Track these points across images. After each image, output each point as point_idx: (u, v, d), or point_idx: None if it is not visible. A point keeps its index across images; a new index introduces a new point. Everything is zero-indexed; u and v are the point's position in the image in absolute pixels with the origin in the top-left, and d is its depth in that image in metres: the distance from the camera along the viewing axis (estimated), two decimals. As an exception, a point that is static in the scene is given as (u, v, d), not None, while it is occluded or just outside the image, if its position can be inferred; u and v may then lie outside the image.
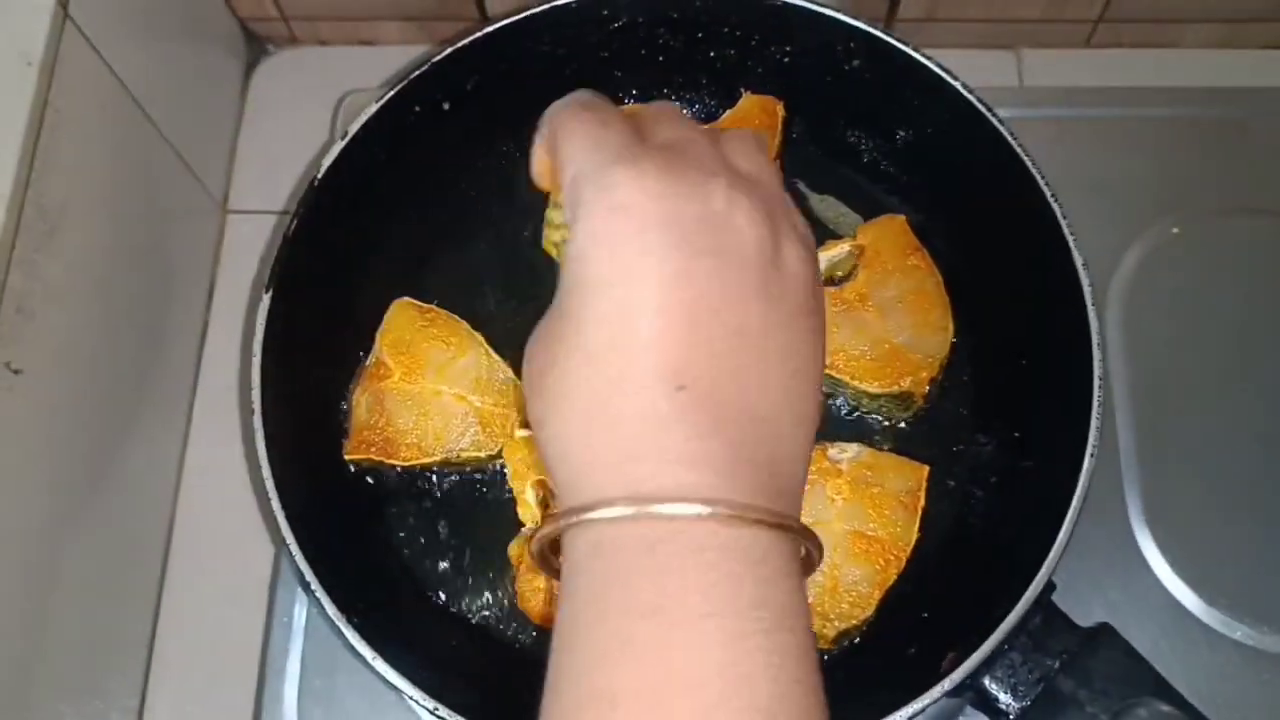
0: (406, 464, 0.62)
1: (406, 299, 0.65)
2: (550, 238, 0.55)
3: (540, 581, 0.58)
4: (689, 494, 0.33)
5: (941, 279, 0.64)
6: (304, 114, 0.86)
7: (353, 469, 0.63)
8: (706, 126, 0.45)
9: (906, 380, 0.62)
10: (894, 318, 0.63)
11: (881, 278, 0.64)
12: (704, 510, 0.33)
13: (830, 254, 0.65)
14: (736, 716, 0.31)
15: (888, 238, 0.65)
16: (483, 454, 0.62)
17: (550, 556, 0.38)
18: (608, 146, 0.37)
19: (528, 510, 0.59)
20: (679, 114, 0.43)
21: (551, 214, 0.52)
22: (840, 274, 0.66)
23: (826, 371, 0.63)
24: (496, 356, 0.63)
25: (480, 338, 0.64)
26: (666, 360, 0.34)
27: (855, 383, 0.62)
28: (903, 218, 0.66)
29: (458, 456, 0.62)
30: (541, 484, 0.59)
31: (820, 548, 0.37)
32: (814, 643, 0.34)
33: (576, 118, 0.40)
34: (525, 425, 0.62)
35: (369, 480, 0.64)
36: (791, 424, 0.37)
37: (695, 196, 0.36)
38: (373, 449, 0.61)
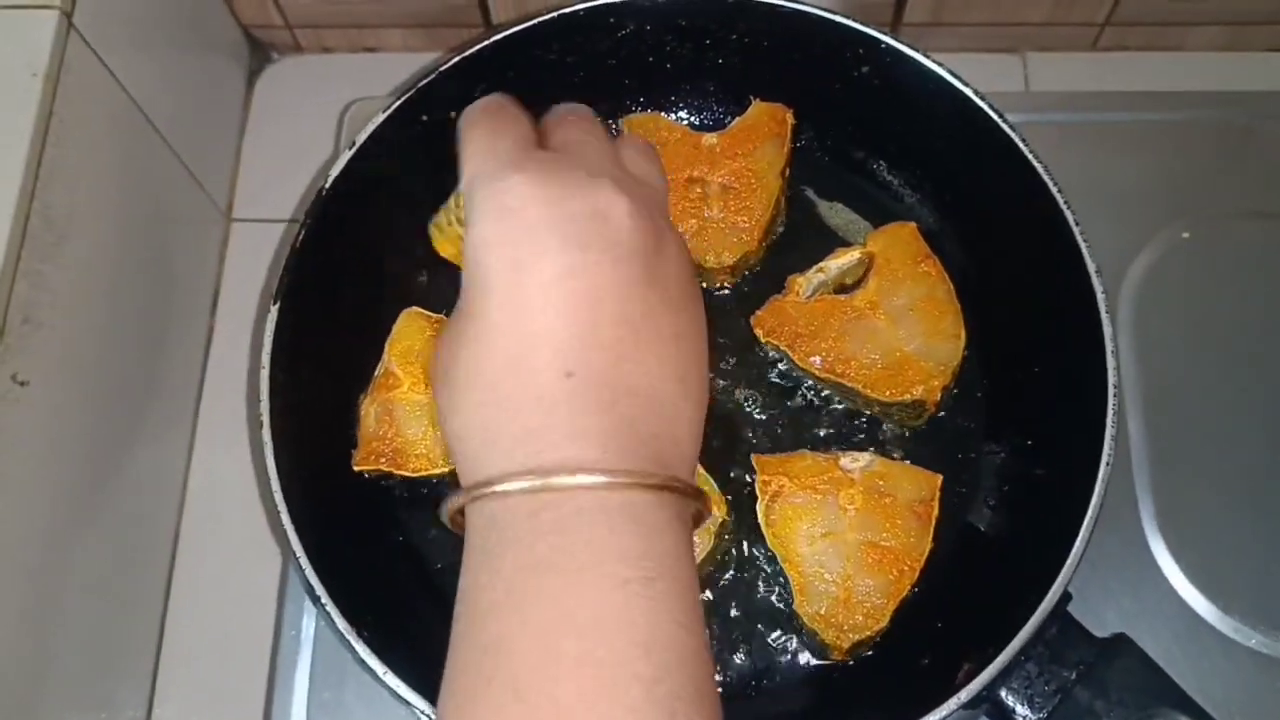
0: (416, 474, 0.61)
1: (415, 308, 0.65)
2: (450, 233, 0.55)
3: None
4: (574, 466, 0.36)
5: (952, 286, 0.64)
6: (308, 122, 0.86)
7: (362, 479, 0.63)
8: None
9: (919, 389, 0.61)
10: (905, 325, 0.62)
11: (892, 285, 0.63)
12: (586, 480, 0.36)
13: (840, 261, 0.65)
14: (618, 653, 0.34)
15: (898, 245, 0.65)
16: None
17: (461, 524, 0.40)
18: (500, 153, 0.41)
19: None
20: (584, 116, 0.47)
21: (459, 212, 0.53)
22: (850, 281, 0.66)
23: (839, 380, 0.63)
24: None
25: None
26: (556, 349, 0.38)
27: (867, 391, 0.62)
28: (913, 224, 0.65)
29: None
30: None
31: (708, 505, 0.40)
32: (695, 588, 0.37)
33: (475, 124, 0.43)
34: None
35: (378, 490, 0.63)
36: (679, 397, 0.40)
37: (580, 196, 0.39)
38: (382, 459, 0.61)
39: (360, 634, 0.53)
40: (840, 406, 0.65)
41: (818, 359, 0.63)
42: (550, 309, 0.38)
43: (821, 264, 0.65)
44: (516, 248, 0.38)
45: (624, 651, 0.34)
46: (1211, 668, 0.63)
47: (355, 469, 0.62)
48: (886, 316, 0.63)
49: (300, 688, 0.64)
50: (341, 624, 0.53)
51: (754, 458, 0.62)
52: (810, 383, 0.65)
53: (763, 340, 0.64)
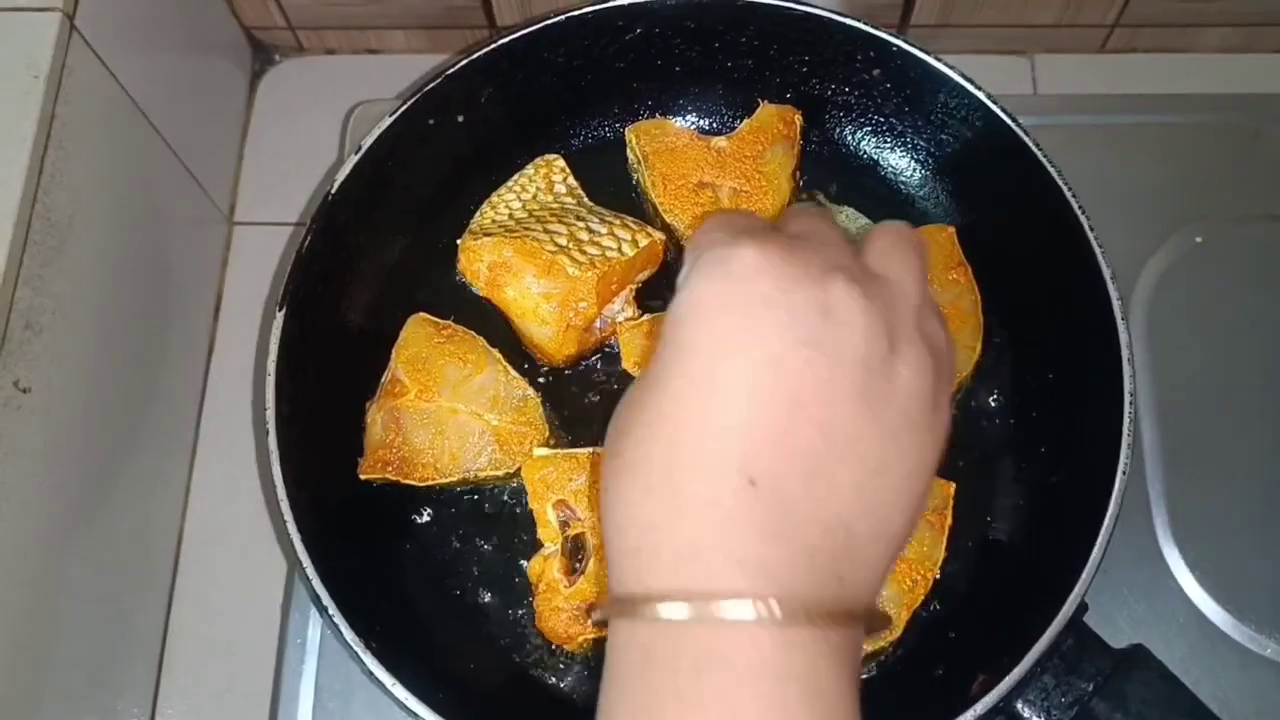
0: (422, 484, 0.61)
1: (423, 315, 0.64)
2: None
3: (559, 601, 0.57)
4: (745, 603, 0.32)
5: (979, 298, 0.62)
6: (311, 124, 0.86)
7: (370, 487, 0.62)
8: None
9: (926, 393, 0.60)
10: (921, 328, 0.62)
11: None
12: (754, 619, 0.32)
13: None
14: None
15: (932, 247, 0.63)
16: (500, 473, 0.60)
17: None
18: (737, 226, 0.37)
19: (548, 530, 0.58)
20: (819, 212, 0.43)
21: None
22: None
23: None
24: (515, 373, 0.62)
25: (498, 354, 0.63)
26: (744, 449, 0.33)
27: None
28: (951, 229, 0.64)
29: (475, 476, 0.61)
30: (562, 504, 0.58)
31: (887, 620, 0.36)
32: None
33: (714, 217, 0.40)
34: (545, 444, 0.61)
35: (386, 498, 0.62)
36: (870, 537, 0.35)
37: (810, 283, 0.35)
38: (389, 468, 0.60)
39: (368, 645, 0.52)
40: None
41: None
42: (746, 400, 0.34)
43: None
44: (726, 319, 0.34)
45: None
46: (1228, 677, 0.63)
47: (361, 477, 0.61)
48: (905, 316, 0.62)
49: (306, 698, 0.63)
50: (349, 635, 0.52)
51: None
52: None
53: None
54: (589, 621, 0.37)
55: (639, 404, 0.36)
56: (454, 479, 0.60)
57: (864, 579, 0.35)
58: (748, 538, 0.33)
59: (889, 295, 0.37)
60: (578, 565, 0.57)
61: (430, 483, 0.60)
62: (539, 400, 0.62)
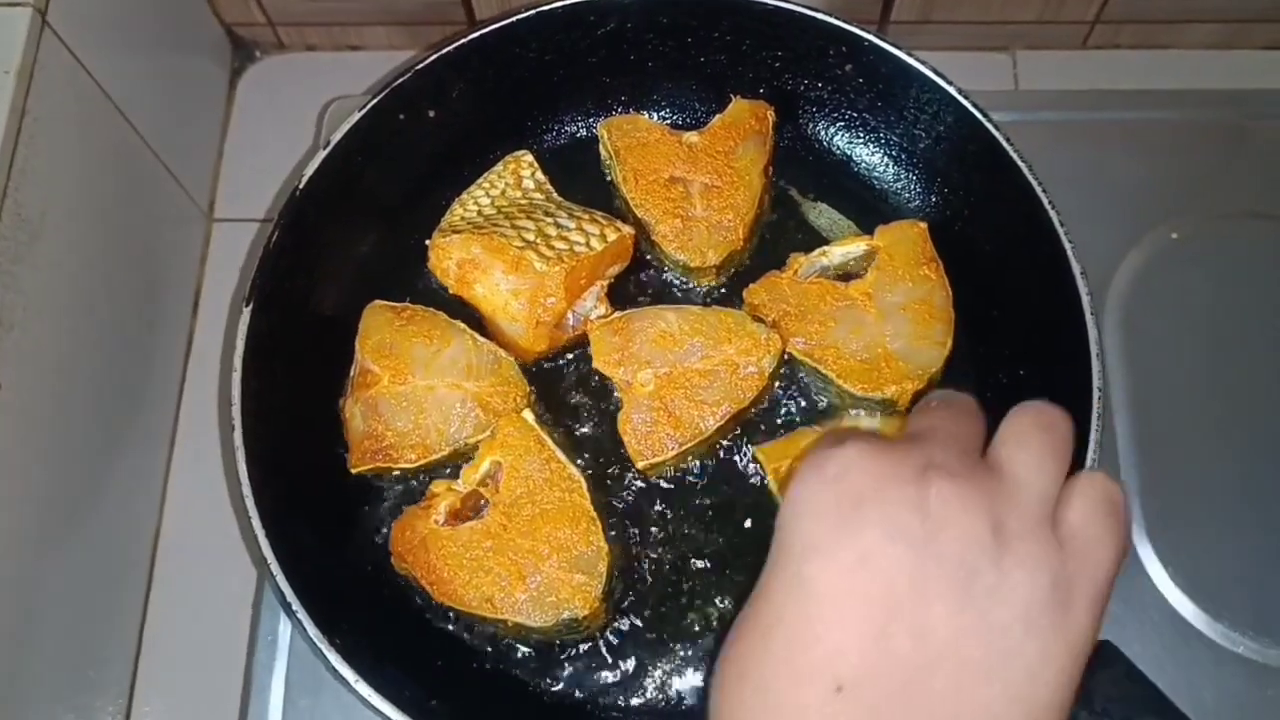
0: (414, 465, 0.60)
1: (379, 302, 0.64)
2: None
3: (421, 523, 0.58)
4: None
5: (951, 294, 0.62)
6: (291, 120, 0.85)
7: (339, 484, 0.62)
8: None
9: (891, 389, 0.60)
10: (893, 323, 0.61)
11: (891, 282, 0.62)
12: None
13: (845, 248, 0.64)
14: None
15: (904, 243, 0.63)
16: (489, 434, 0.60)
17: None
18: (844, 433, 0.37)
19: (471, 473, 0.60)
20: (952, 404, 0.39)
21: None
22: (854, 271, 0.65)
23: (815, 365, 0.61)
24: (482, 339, 0.62)
25: (462, 325, 0.63)
26: (829, 653, 0.32)
27: (840, 381, 0.61)
28: (923, 225, 0.64)
29: (465, 444, 0.60)
30: (499, 466, 0.59)
31: None
32: None
33: (832, 431, 0.39)
34: (529, 402, 0.62)
35: (356, 495, 0.62)
36: None
37: (905, 481, 0.34)
38: (377, 457, 0.60)
39: (332, 642, 0.52)
40: (827, 401, 0.64)
41: (800, 340, 0.62)
42: (834, 602, 0.33)
43: (825, 248, 0.64)
44: (821, 521, 0.34)
45: None
46: (1201, 675, 0.63)
47: (353, 472, 0.61)
48: (878, 311, 0.62)
49: (276, 694, 0.63)
50: (312, 631, 0.52)
51: (755, 450, 0.61)
52: (796, 386, 0.64)
53: (749, 313, 0.63)
54: None
55: (749, 609, 0.35)
56: (444, 453, 0.60)
57: None
58: None
59: (1005, 491, 0.35)
60: (462, 518, 0.58)
61: (422, 462, 0.60)
62: (512, 360, 0.62)
